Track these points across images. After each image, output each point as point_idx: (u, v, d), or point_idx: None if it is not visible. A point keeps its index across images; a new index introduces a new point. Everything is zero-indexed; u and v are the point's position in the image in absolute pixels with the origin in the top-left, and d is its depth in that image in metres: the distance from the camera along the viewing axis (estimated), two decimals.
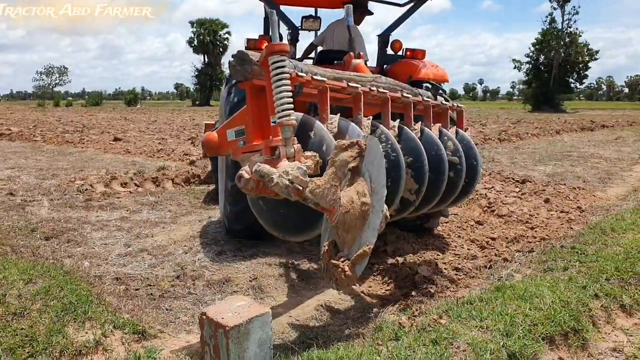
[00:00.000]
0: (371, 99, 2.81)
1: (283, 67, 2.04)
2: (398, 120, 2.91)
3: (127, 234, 4.70)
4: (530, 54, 51.29)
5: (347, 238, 1.92)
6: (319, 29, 4.94)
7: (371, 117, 2.69)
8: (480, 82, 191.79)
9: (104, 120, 24.24)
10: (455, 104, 3.53)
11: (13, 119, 24.17)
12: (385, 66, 4.85)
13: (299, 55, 5.18)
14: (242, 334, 1.36)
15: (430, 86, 3.58)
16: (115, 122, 22.86)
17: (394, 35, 5.00)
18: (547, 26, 49.92)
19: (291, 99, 2.08)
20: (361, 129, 2.52)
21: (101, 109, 48.63)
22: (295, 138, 2.09)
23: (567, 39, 48.98)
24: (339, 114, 2.43)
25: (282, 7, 4.92)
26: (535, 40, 50.69)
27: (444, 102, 3.36)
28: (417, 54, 4.70)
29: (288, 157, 1.99)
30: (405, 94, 2.98)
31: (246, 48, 4.38)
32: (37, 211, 5.41)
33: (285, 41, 4.85)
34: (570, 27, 49.36)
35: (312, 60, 5.40)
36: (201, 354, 1.43)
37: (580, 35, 49.59)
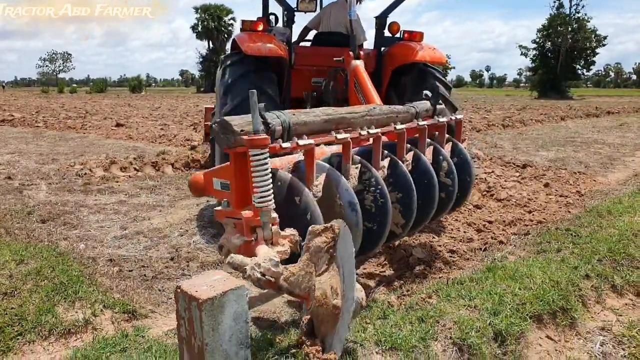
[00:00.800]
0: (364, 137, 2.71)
1: (263, 160, 2.02)
2: (388, 158, 2.80)
3: (124, 217, 4.72)
4: (537, 39, 50.56)
5: (321, 328, 1.93)
6: (315, 10, 4.90)
7: (360, 165, 2.62)
8: (487, 69, 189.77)
9: (108, 107, 24.26)
10: (453, 117, 3.46)
11: (16, 105, 24.25)
12: (382, 48, 4.81)
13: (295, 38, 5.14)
14: (216, 306, 1.35)
15: (430, 94, 3.48)
16: (118, 109, 22.88)
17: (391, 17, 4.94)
18: (555, 12, 49.08)
19: (270, 187, 2.05)
20: (348, 179, 2.47)
21: (105, 95, 48.64)
22: (277, 217, 2.07)
23: (575, 25, 48.13)
24: (324, 174, 2.28)
25: None
26: (542, 26, 49.92)
27: (440, 119, 3.27)
28: (415, 36, 4.64)
29: (266, 240, 2.02)
30: (397, 126, 2.85)
31: (241, 29, 4.40)
32: (34, 195, 5.44)
33: (280, 23, 4.79)
34: (578, 13, 48.53)
35: (309, 42, 5.36)
36: (177, 328, 1.43)
37: (589, 21, 48.73)
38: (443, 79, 4.57)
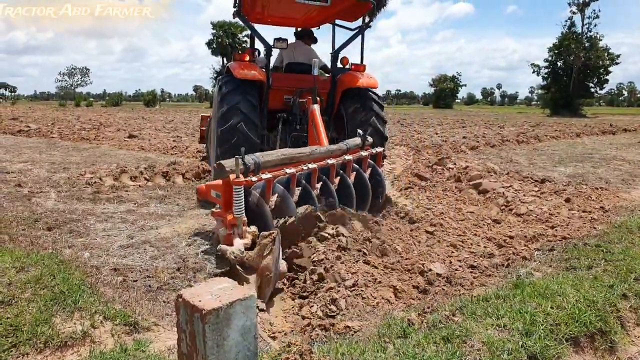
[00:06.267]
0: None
1: (239, 191, 3.48)
2: (321, 182, 4.40)
3: (132, 226, 4.59)
4: (549, 58, 50.19)
5: (262, 286, 3.07)
6: (285, 48, 6.34)
7: (299, 189, 4.15)
8: (499, 87, 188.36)
9: (122, 120, 24.47)
10: (375, 150, 5.06)
11: (33, 117, 24.56)
12: (337, 76, 6.27)
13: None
14: (221, 319, 1.19)
15: (361, 132, 5.07)
16: (132, 121, 23.05)
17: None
18: (566, 30, 48.72)
19: (243, 207, 3.50)
20: (292, 196, 4.02)
21: (120, 109, 49.27)
22: (246, 220, 3.53)
23: (587, 43, 47.70)
24: (276, 195, 3.92)
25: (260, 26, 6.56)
26: (552, 45, 49.55)
27: (363, 152, 4.90)
28: (359, 67, 6.29)
29: (239, 234, 3.49)
30: (329, 161, 4.43)
31: (233, 59, 5.90)
32: (43, 202, 5.34)
33: (262, 55, 6.34)
34: (590, 32, 48.12)
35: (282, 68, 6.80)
36: (177, 342, 1.27)
37: (601, 40, 48.23)
38: (378, 100, 6.10)
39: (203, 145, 9.52)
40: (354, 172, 4.70)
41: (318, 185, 4.34)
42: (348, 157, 4.63)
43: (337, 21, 6.97)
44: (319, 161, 4.36)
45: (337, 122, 6.36)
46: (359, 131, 5.11)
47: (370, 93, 6.05)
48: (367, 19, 6.25)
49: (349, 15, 6.66)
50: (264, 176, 3.69)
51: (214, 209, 3.81)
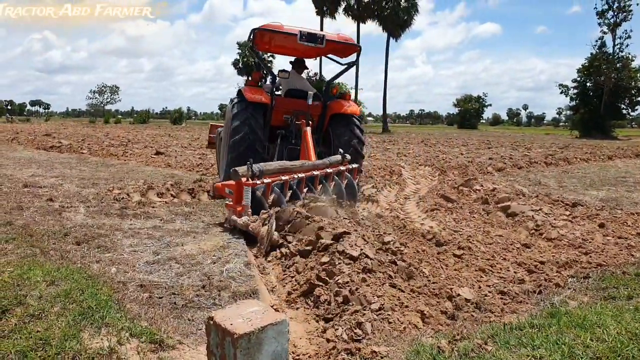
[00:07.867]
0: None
1: (248, 190, 5.03)
2: (307, 188, 5.90)
3: (158, 242, 4.63)
4: (578, 78, 49.22)
5: (259, 244, 4.55)
6: (287, 77, 7.72)
7: (290, 192, 5.68)
8: (525, 107, 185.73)
9: (149, 137, 25.07)
10: (352, 166, 6.68)
11: (65, 133, 25.43)
12: (327, 102, 7.66)
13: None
14: (252, 344, 1.16)
15: (342, 151, 6.66)
16: (159, 139, 23.59)
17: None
18: (597, 51, 47.78)
19: (250, 199, 5.05)
20: (285, 196, 5.43)
21: (147, 126, 50.54)
22: (250, 210, 5.05)
23: (619, 64, 46.64)
24: (274, 195, 5.41)
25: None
26: (582, 66, 48.62)
27: (341, 167, 6.51)
28: (346, 96, 7.98)
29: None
30: (314, 172, 6.00)
31: (245, 84, 7.55)
32: (72, 217, 5.46)
33: (269, 82, 7.95)
34: (622, 52, 47.05)
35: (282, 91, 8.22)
36: None
37: (633, 60, 47.07)
38: (359, 125, 7.51)
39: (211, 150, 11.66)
40: (333, 182, 6.25)
41: (305, 190, 5.77)
42: (329, 170, 6.25)
43: (331, 56, 8.50)
44: (307, 172, 5.86)
45: (325, 139, 7.76)
46: (340, 150, 6.72)
47: (354, 119, 7.49)
48: (354, 58, 7.82)
49: (340, 53, 8.17)
50: (265, 180, 5.26)
51: (227, 202, 5.32)
